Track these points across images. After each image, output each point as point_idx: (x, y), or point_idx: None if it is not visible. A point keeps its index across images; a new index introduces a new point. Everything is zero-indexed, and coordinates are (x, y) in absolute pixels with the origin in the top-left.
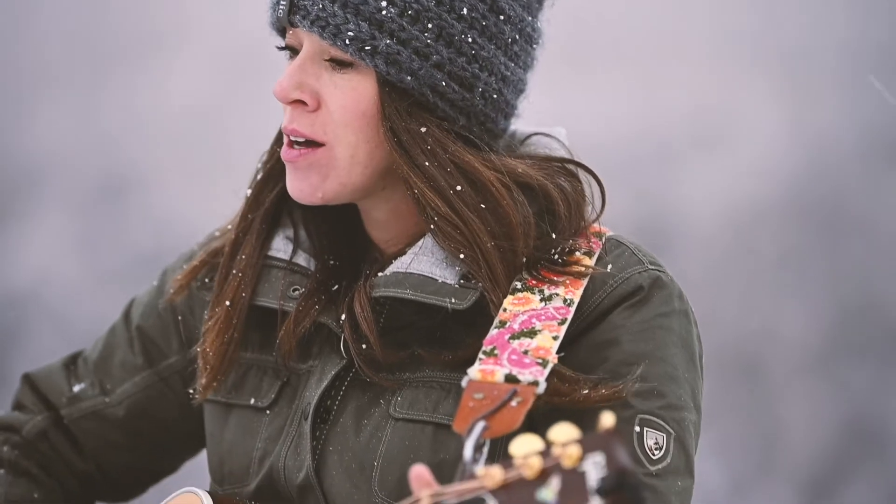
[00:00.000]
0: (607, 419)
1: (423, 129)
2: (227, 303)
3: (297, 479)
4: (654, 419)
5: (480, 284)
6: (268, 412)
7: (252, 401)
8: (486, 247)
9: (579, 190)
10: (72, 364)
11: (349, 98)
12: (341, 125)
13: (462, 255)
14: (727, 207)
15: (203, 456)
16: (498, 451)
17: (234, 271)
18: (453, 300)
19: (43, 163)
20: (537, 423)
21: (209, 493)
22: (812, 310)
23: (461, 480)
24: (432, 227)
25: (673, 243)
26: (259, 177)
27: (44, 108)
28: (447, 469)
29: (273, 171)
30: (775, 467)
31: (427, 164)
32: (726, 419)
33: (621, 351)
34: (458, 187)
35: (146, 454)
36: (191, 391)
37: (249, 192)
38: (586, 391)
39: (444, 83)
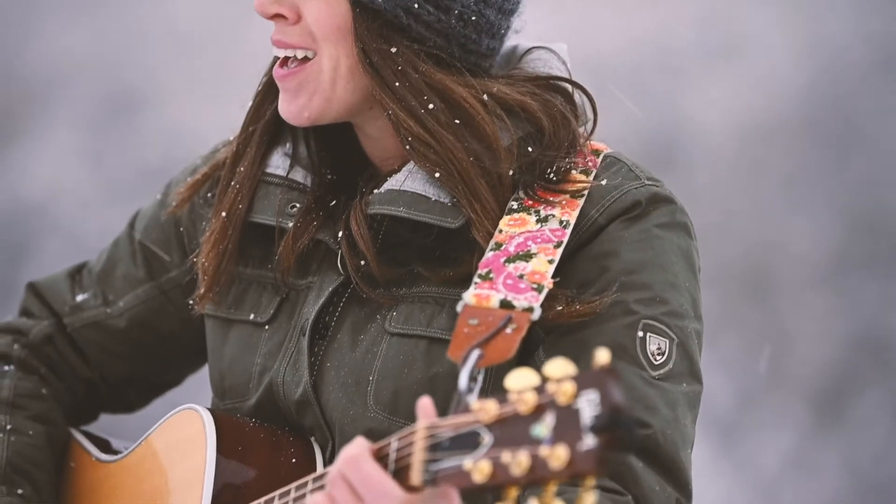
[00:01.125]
0: (602, 356)
1: (394, 50)
2: (223, 214)
3: (296, 394)
4: (657, 324)
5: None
6: (267, 328)
7: (252, 316)
8: (462, 164)
9: (568, 107)
10: (76, 274)
11: (324, 13)
12: (321, 38)
13: (438, 174)
14: (736, 121)
15: (207, 370)
16: (490, 378)
17: (233, 183)
18: (446, 219)
19: (52, 78)
20: (531, 355)
21: (210, 409)
22: (820, 224)
23: (456, 411)
24: (408, 147)
25: (681, 157)
26: (260, 89)
27: (52, 24)
28: (440, 383)
29: (275, 84)
30: (783, 381)
31: (398, 84)
32: (734, 333)
33: (621, 260)
34: (431, 105)
35: (148, 366)
36: (190, 302)
37: (251, 104)
38: (579, 307)
39: (416, 5)
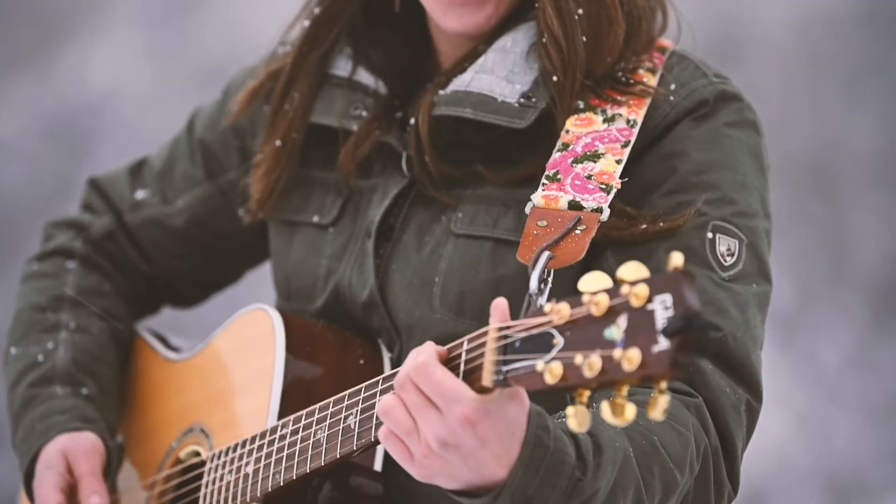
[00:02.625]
0: (676, 258)
1: None
2: (278, 142)
3: (362, 296)
4: (726, 225)
5: (542, 104)
6: (331, 230)
7: (316, 218)
8: (577, 73)
9: (646, 5)
10: (137, 171)
11: None
12: None
13: (555, 79)
14: (797, 14)
15: (266, 268)
16: (560, 283)
17: (286, 107)
18: (513, 119)
19: None
20: (600, 256)
21: (278, 310)
22: (884, 120)
23: (528, 313)
24: (542, 49)
25: (744, 52)
26: None
27: None
28: (506, 285)
29: None
30: (843, 277)
31: None
32: (794, 230)
33: (689, 160)
34: (580, 11)
35: (206, 264)
36: (240, 211)
37: (318, 9)
38: (644, 226)
39: None
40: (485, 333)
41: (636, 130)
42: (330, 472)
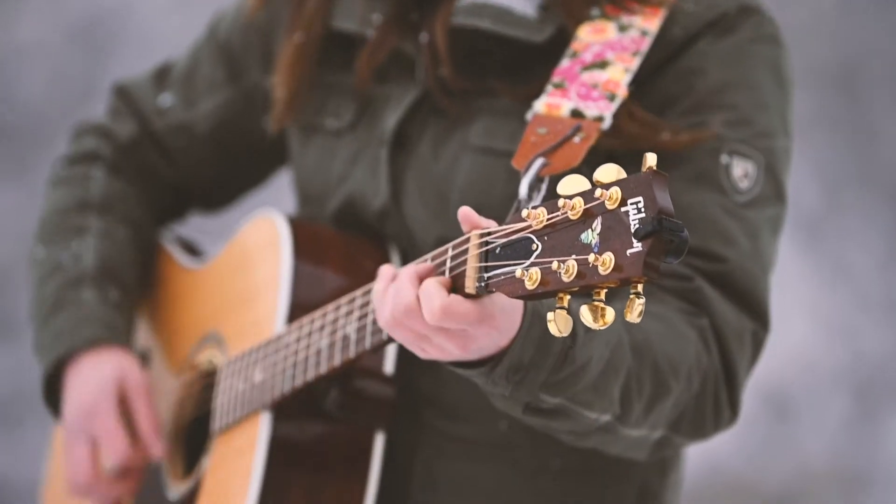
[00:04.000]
0: (650, 159)
1: None
2: (299, 36)
3: (375, 204)
4: (743, 148)
5: (559, 18)
6: (346, 135)
7: (331, 123)
8: None
9: None
10: (161, 75)
11: None
12: None
13: None
14: None
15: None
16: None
17: (308, 2)
18: (531, 33)
19: None
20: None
21: (286, 215)
22: None
23: (512, 218)
24: None
25: None
26: None
27: None
28: None
29: None
30: (872, 181)
31: None
32: (823, 132)
33: (708, 79)
34: None
35: (231, 167)
36: (264, 121)
37: None
38: (667, 136)
39: None
40: (467, 240)
41: (649, 40)
42: (339, 377)
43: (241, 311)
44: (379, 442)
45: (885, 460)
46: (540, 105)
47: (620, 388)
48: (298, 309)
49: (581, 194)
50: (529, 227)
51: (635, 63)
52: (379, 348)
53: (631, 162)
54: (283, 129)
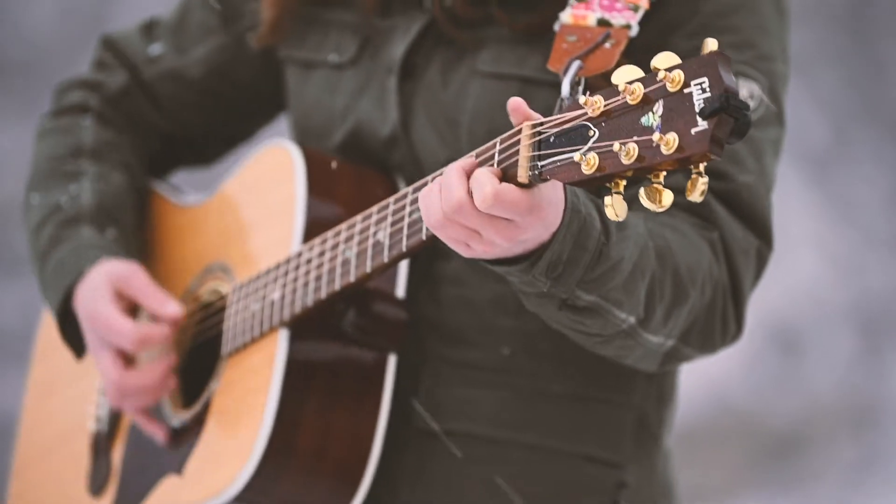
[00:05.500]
0: (711, 44)
1: None
2: None
3: (383, 132)
4: (747, 69)
5: None
6: (348, 69)
7: (332, 57)
8: None
9: None
10: (149, 28)
11: None
12: None
13: None
14: None
15: (279, 124)
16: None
17: None
18: None
19: None
20: None
21: (299, 144)
22: None
23: (565, 109)
24: None
25: None
26: None
27: None
28: None
29: None
30: (878, 117)
31: None
32: (830, 68)
33: (714, 2)
34: None
35: (222, 116)
36: (248, 36)
37: None
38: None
39: None
40: (518, 132)
41: None
42: (354, 298)
43: (249, 238)
44: (391, 364)
45: (893, 395)
46: (566, 16)
47: (646, 290)
48: (314, 230)
49: (640, 80)
50: (585, 114)
51: None
52: (415, 251)
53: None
54: (273, 71)
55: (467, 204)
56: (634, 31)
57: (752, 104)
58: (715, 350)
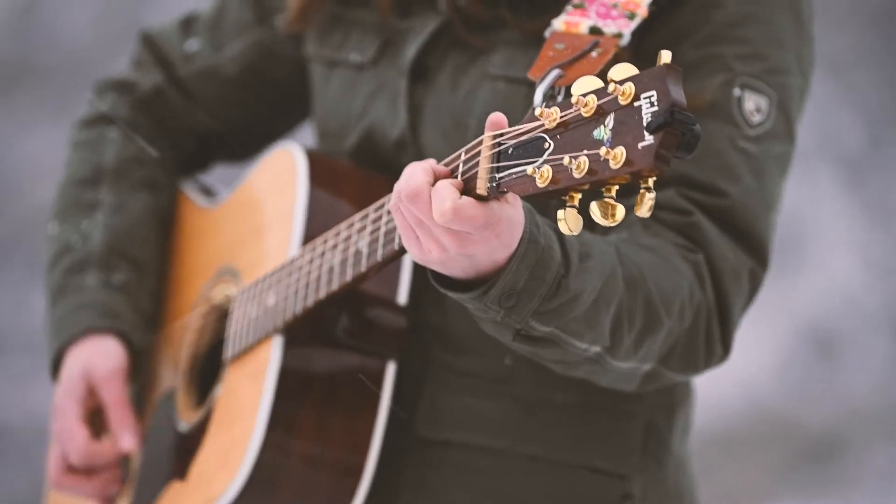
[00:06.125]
0: (664, 56)
1: None
2: None
3: (393, 134)
4: (755, 82)
5: None
6: (368, 70)
7: (353, 56)
8: None
9: None
10: (187, 23)
11: None
12: None
13: None
14: None
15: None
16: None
17: None
18: None
19: None
20: None
21: (304, 147)
22: None
23: (526, 120)
24: None
25: None
26: None
27: None
28: None
29: None
30: None
31: None
32: (865, 69)
33: (725, 11)
34: None
35: (258, 113)
36: (275, 19)
37: None
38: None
39: None
40: (480, 143)
41: None
42: (347, 304)
43: (255, 242)
44: (390, 372)
45: None
46: (559, 23)
47: (611, 320)
48: (313, 236)
49: (595, 91)
50: (542, 126)
51: None
52: (390, 260)
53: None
54: (292, 32)
55: (424, 197)
56: (626, 40)
57: (758, 118)
58: (699, 371)
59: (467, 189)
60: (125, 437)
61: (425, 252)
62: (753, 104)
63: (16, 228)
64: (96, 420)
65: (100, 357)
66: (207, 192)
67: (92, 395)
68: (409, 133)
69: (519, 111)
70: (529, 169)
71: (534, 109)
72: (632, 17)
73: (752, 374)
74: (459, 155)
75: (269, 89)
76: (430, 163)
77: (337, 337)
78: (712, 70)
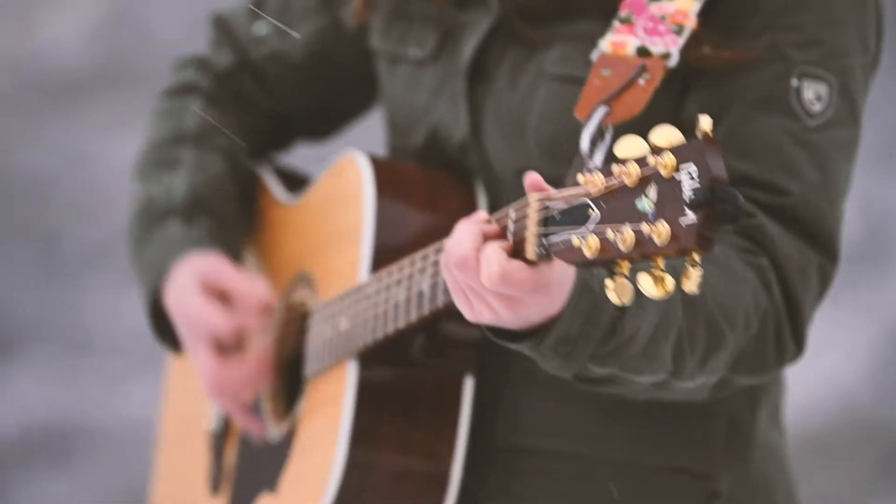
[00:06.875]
0: (704, 122)
1: None
2: None
3: (456, 136)
4: (813, 70)
5: None
6: (428, 65)
7: (414, 52)
8: None
9: None
10: (257, 4)
11: None
12: None
13: None
14: None
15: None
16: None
17: None
18: None
19: None
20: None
21: (368, 155)
22: None
23: (573, 175)
24: None
25: None
26: None
27: None
28: None
29: None
30: None
31: None
32: None
33: None
34: None
35: (328, 95)
36: (343, 13)
37: None
38: (727, 53)
39: None
40: (527, 205)
41: None
42: (426, 323)
43: (328, 255)
44: (468, 386)
45: None
46: (605, 43)
47: (672, 348)
48: (382, 256)
49: (637, 160)
50: (587, 192)
51: None
52: (451, 307)
53: (700, 77)
54: (360, 23)
55: (471, 264)
56: (674, 60)
57: (818, 107)
58: (772, 372)
59: (517, 251)
60: (258, 287)
61: (477, 314)
62: (813, 93)
63: (107, 232)
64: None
65: (204, 260)
66: (291, 177)
67: (208, 290)
68: (471, 136)
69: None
70: (576, 240)
71: (583, 157)
72: (680, 31)
73: (845, 376)
74: (508, 213)
75: (336, 73)
76: (478, 224)
77: (413, 356)
78: (768, 60)
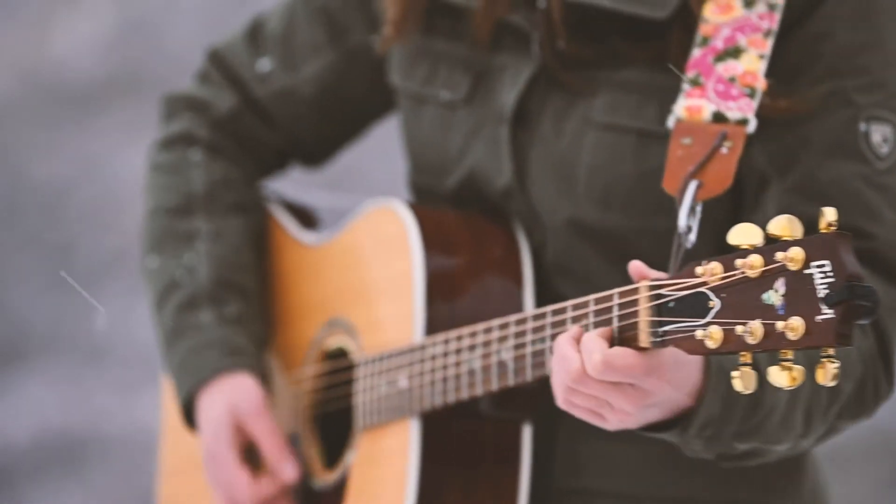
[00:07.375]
0: (829, 214)
1: None
2: None
3: (499, 183)
4: (879, 112)
5: None
6: (461, 108)
7: (444, 93)
8: None
9: None
10: (254, 35)
11: None
12: None
13: None
14: None
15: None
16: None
17: None
18: (653, 9)
19: None
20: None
21: (408, 205)
22: None
23: (678, 262)
24: None
25: None
26: None
27: None
28: (651, 181)
29: None
30: None
31: None
32: None
33: (836, 44)
34: None
35: (335, 127)
36: (372, 39)
37: None
38: (788, 102)
39: None
40: (636, 290)
41: (778, 15)
42: None
43: (371, 303)
44: (527, 434)
45: None
46: (680, 109)
47: (804, 412)
48: (435, 310)
49: (758, 251)
50: (705, 283)
51: (769, 46)
52: (539, 379)
53: (766, 126)
54: (389, 84)
55: (584, 372)
56: (752, 126)
57: (886, 150)
58: (870, 415)
59: (625, 339)
60: (286, 469)
61: (611, 424)
62: (880, 135)
63: (121, 241)
64: (249, 458)
65: (240, 394)
66: (298, 212)
67: (240, 434)
68: (516, 183)
69: (628, 160)
70: (698, 331)
71: (681, 235)
72: (752, 94)
73: None
74: (612, 297)
75: (347, 107)
76: (570, 335)
77: (481, 411)
78: (835, 106)
